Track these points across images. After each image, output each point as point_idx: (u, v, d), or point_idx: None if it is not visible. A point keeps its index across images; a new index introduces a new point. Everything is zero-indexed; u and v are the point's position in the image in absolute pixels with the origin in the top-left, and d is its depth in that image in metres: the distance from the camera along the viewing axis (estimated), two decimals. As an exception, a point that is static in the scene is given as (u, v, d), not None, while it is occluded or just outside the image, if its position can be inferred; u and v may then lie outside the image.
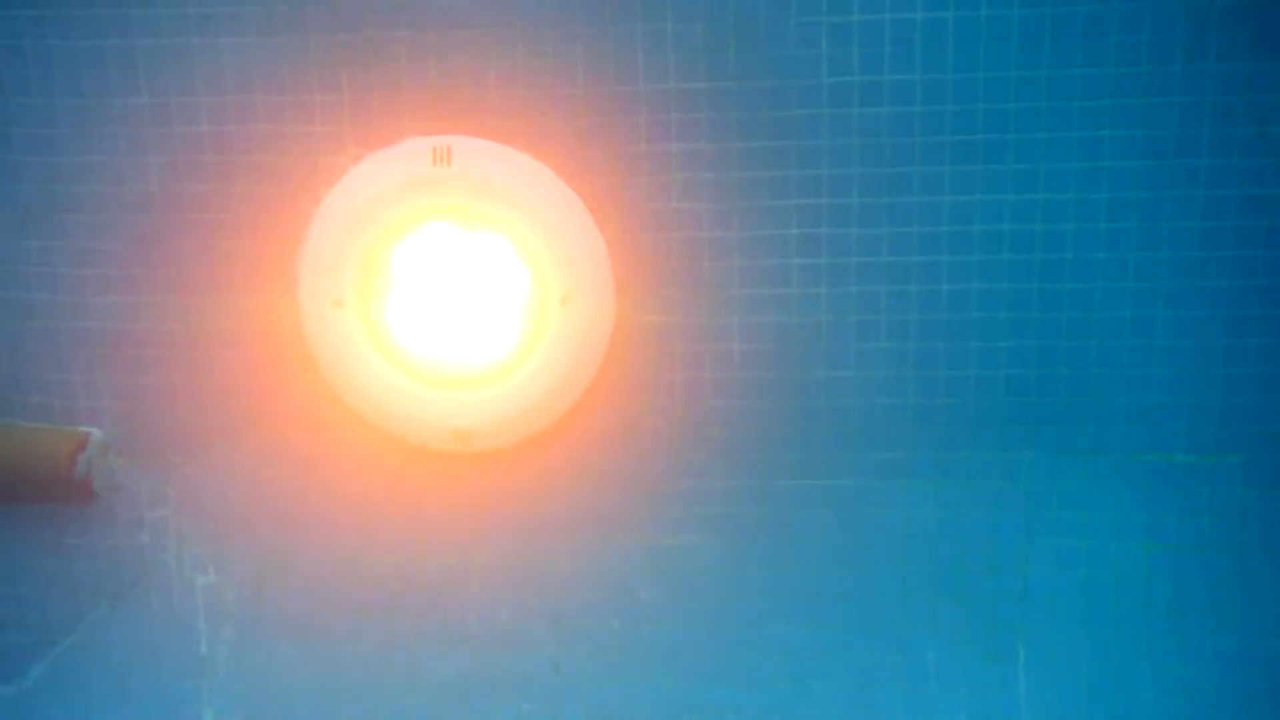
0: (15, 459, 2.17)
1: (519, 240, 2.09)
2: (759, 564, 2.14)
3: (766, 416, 2.13)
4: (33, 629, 2.28)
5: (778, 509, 2.14)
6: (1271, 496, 2.08)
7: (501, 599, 2.18)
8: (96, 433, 2.21)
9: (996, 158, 2.00)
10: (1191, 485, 2.09)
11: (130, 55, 2.07)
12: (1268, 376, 2.05)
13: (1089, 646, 2.10)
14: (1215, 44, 1.93)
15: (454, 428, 2.12)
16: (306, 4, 2.03)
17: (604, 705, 2.21)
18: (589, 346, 2.10)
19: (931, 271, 2.06)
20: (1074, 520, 2.11)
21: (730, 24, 1.99)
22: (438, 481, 2.17)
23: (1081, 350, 2.07)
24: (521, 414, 2.12)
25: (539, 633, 2.18)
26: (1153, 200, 2.00)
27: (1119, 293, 2.04)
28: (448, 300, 2.12)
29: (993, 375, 2.09)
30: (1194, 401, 2.07)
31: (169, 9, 2.05)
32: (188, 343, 2.18)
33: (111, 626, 2.26)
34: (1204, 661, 2.09)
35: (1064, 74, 1.96)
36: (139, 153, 2.11)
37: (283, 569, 2.22)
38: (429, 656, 2.20)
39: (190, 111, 2.09)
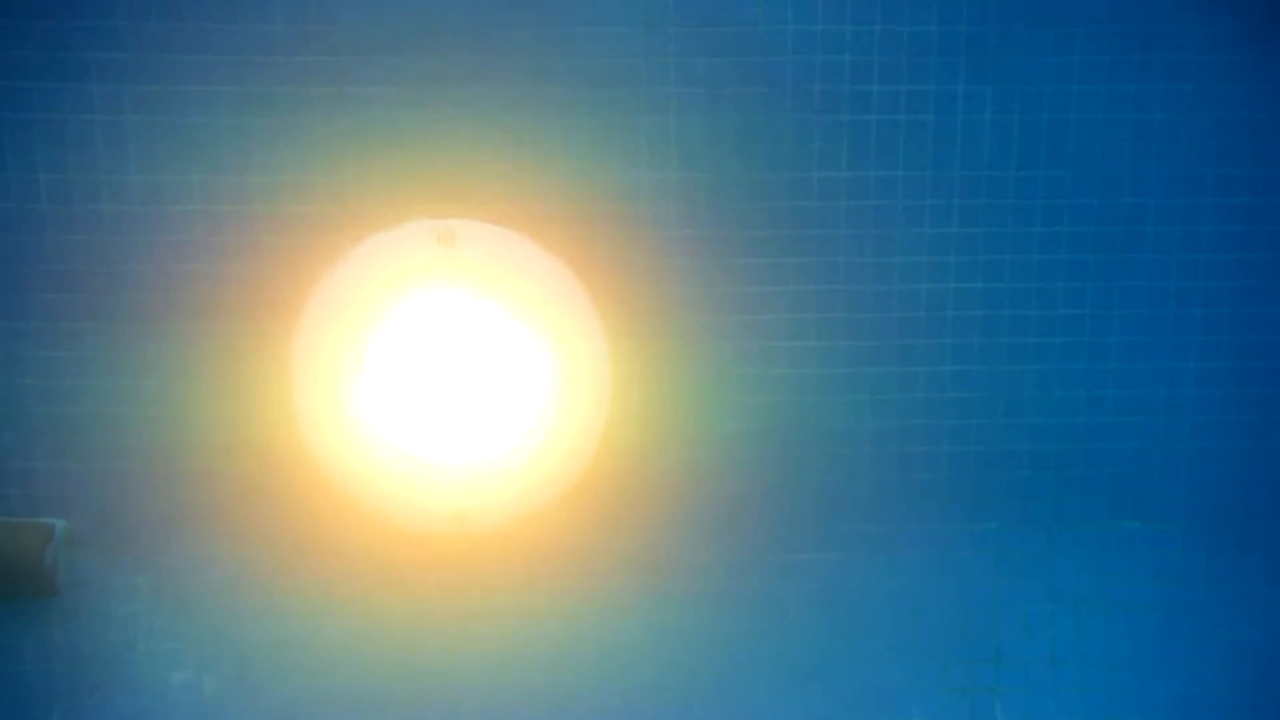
0: (-21, 554, 2.03)
1: (520, 322, 2.11)
2: (755, 638, 2.20)
3: (759, 494, 2.20)
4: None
5: (771, 583, 2.20)
6: (1206, 558, 2.28)
7: (503, 682, 2.15)
8: (60, 523, 2.08)
9: (968, 249, 2.17)
10: (1139, 550, 2.28)
11: (120, 131, 2.01)
12: (1199, 452, 2.26)
13: (1058, 704, 2.24)
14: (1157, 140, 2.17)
15: (453, 510, 2.10)
16: (311, 86, 2.03)
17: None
18: (587, 428, 2.13)
19: (908, 354, 2.19)
20: (1038, 585, 2.26)
21: (730, 118, 2.10)
22: (435, 565, 2.14)
23: (1042, 427, 2.23)
24: (520, 495, 2.12)
25: (541, 715, 2.15)
26: (1103, 290, 2.20)
27: (1073, 375, 2.22)
28: (448, 382, 2.11)
29: (963, 451, 2.23)
30: (1138, 472, 2.26)
31: (167, 86, 2.00)
32: (165, 427, 2.10)
33: (69, 735, 2.11)
34: (1160, 712, 2.25)
35: (1029, 175, 2.15)
36: (125, 231, 2.04)
37: (269, 662, 2.12)
38: (429, 747, 2.15)
39: (181, 189, 2.04)
